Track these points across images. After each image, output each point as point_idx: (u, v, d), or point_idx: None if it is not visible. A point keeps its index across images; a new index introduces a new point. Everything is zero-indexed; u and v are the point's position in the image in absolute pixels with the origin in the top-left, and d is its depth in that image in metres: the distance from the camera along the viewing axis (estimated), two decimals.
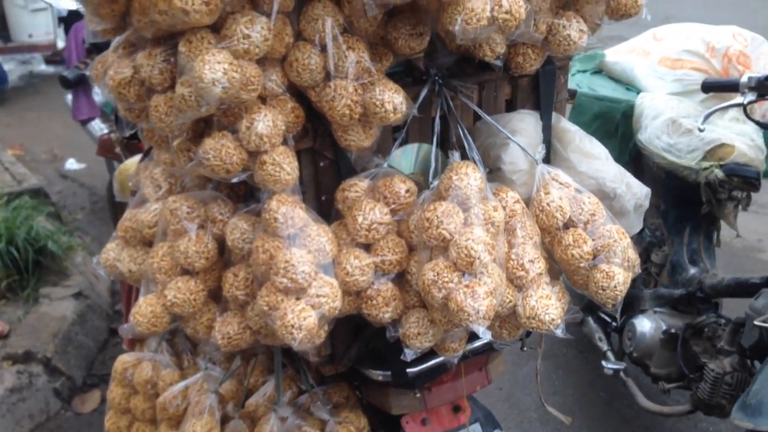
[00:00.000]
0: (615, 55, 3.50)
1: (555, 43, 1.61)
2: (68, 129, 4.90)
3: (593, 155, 1.74)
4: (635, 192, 1.74)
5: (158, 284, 1.60)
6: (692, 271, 2.98)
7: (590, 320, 3.29)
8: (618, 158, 3.20)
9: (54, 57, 7.31)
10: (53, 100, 5.78)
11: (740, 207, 2.87)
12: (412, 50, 1.51)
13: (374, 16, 1.41)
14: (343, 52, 1.42)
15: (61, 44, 6.89)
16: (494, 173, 1.65)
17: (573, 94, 3.26)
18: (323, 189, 1.61)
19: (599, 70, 3.57)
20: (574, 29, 1.59)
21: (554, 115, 1.78)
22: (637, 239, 3.32)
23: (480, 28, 1.36)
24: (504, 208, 1.53)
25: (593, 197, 1.62)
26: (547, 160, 1.75)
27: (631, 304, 3.09)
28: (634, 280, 3.14)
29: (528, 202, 1.61)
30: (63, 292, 3.81)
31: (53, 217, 4.58)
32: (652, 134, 3.00)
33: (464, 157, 1.60)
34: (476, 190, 1.47)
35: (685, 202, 3.01)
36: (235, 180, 1.45)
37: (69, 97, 3.80)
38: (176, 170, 1.64)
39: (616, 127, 3.21)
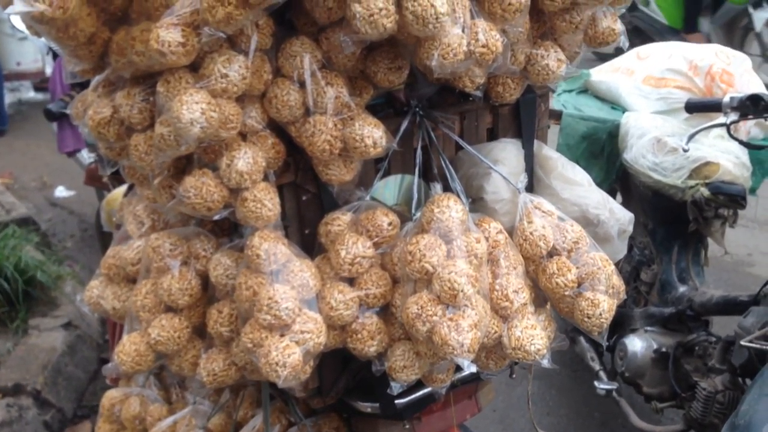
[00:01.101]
0: (600, 74, 3.52)
1: (534, 73, 1.62)
2: (57, 156, 4.89)
3: (576, 182, 1.75)
4: (619, 218, 1.74)
5: (142, 322, 1.59)
6: (682, 289, 2.98)
7: (582, 340, 3.29)
8: (605, 178, 3.24)
9: (43, 84, 7.31)
10: (42, 127, 5.76)
11: (727, 225, 2.88)
12: (391, 84, 1.52)
13: (352, 52, 1.42)
14: (322, 88, 1.43)
15: (49, 71, 6.88)
16: (477, 203, 1.65)
17: (559, 115, 3.28)
18: (306, 223, 1.61)
19: (585, 90, 3.59)
20: (552, 59, 1.60)
21: (536, 142, 1.78)
22: (626, 258, 3.32)
23: (457, 62, 1.36)
24: (487, 238, 1.53)
25: (576, 225, 1.62)
26: (530, 188, 1.75)
27: (622, 323, 3.09)
28: (624, 299, 3.15)
29: (511, 231, 1.61)
30: (52, 322, 3.79)
31: (42, 246, 4.56)
32: (638, 153, 3.01)
33: (446, 188, 1.60)
34: (458, 223, 1.47)
35: (673, 221, 3.02)
36: (216, 217, 1.45)
37: (54, 126, 3.80)
38: (159, 206, 1.64)
39: (603, 147, 3.23)
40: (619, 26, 1.65)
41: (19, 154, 6.44)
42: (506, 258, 1.54)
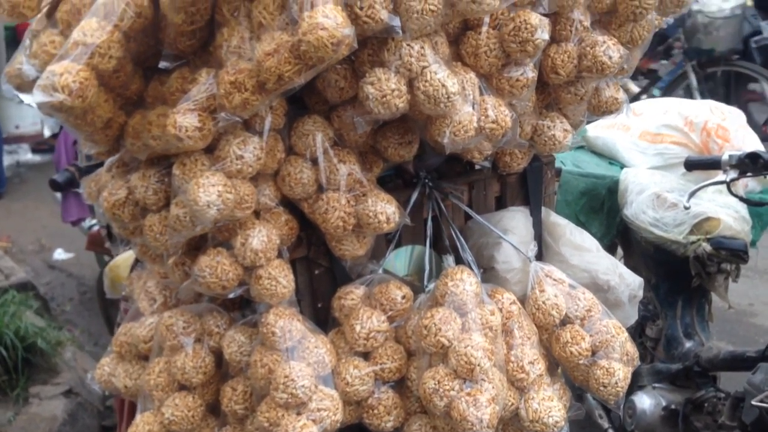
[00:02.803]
0: (596, 130, 3.56)
1: (541, 144, 1.64)
2: (55, 218, 4.90)
3: (584, 248, 1.76)
4: (628, 283, 1.75)
5: (155, 401, 1.57)
6: (688, 344, 2.97)
7: (589, 397, 3.25)
8: (605, 233, 3.25)
9: (41, 146, 7.36)
10: (40, 189, 5.76)
11: (730, 279, 2.89)
12: (401, 158, 1.54)
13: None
14: (335, 165, 1.45)
15: (48, 133, 6.92)
16: (488, 273, 1.66)
17: (558, 171, 3.30)
18: (319, 296, 1.61)
19: (582, 145, 3.63)
20: (558, 129, 1.63)
21: (544, 209, 1.80)
22: None
23: (468, 138, 1.39)
24: (500, 310, 1.53)
25: (588, 292, 1.62)
26: (539, 254, 1.76)
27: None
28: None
29: (523, 299, 1.62)
30: (53, 390, 3.74)
31: (42, 310, 4.52)
32: (638, 209, 3.03)
33: (458, 259, 1.61)
34: (472, 295, 1.48)
35: (676, 276, 3.02)
36: (231, 295, 1.46)
37: (59, 195, 3.81)
38: (170, 283, 1.64)
39: (602, 203, 3.25)
40: (621, 95, 1.68)
41: (18, 217, 6.43)
42: (520, 328, 1.55)
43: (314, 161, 1.45)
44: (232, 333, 1.54)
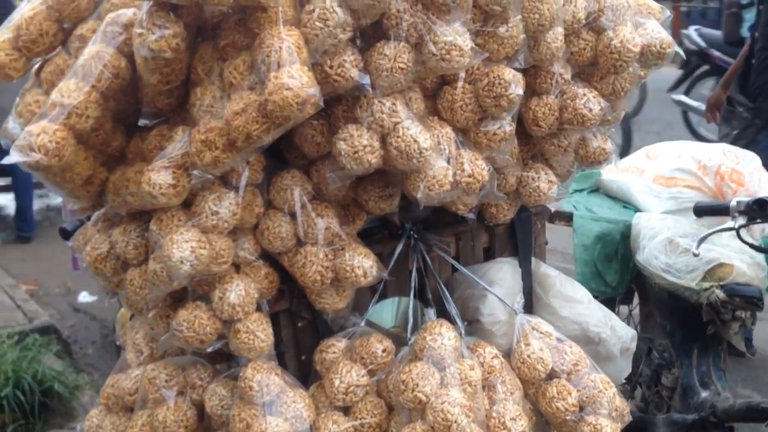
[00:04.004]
0: (610, 174, 3.53)
1: (526, 195, 1.64)
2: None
3: (575, 299, 1.73)
4: (620, 335, 1.71)
5: None
6: (704, 394, 2.88)
7: None
8: (620, 281, 3.20)
9: None
10: None
11: (746, 327, 2.81)
12: (383, 211, 1.54)
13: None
14: (312, 220, 1.45)
15: None
16: (473, 325, 1.64)
17: (569, 216, 3.27)
18: (303, 349, 1.61)
19: (596, 189, 3.60)
20: (543, 181, 1.62)
21: (534, 260, 1.78)
22: (646, 361, 3.24)
23: (443, 193, 1.39)
24: (482, 364, 1.51)
25: (575, 346, 1.60)
26: (529, 305, 1.74)
27: (645, 430, 2.99)
28: (646, 404, 3.02)
29: (509, 352, 1.60)
30: None
31: (64, 353, 4.57)
32: (650, 254, 2.97)
33: (441, 311, 1.60)
34: (451, 350, 1.46)
35: (691, 323, 2.95)
36: (210, 349, 1.46)
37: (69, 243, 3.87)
38: (158, 334, 1.65)
39: (616, 249, 3.20)
40: (609, 145, 1.67)
41: (45, 261, 6.54)
42: (503, 383, 1.52)
43: (293, 215, 1.46)
44: (214, 386, 1.54)
